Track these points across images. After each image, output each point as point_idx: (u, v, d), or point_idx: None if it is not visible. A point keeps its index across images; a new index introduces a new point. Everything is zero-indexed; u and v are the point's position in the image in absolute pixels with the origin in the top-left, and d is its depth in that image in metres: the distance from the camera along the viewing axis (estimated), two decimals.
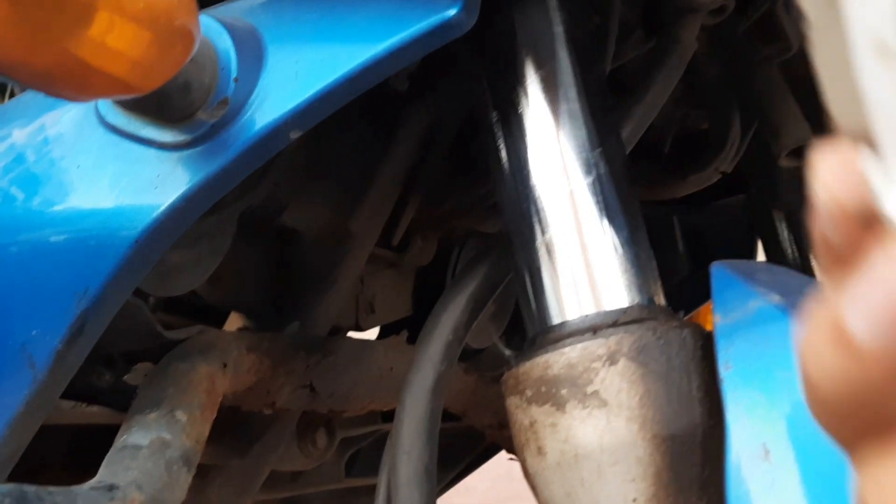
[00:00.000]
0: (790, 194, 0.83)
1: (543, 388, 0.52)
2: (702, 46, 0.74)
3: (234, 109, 0.50)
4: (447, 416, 1.02)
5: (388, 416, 1.02)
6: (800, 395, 0.48)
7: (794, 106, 0.68)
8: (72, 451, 0.92)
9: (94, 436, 0.81)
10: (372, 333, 1.09)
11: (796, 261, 0.83)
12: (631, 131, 0.64)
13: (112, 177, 0.52)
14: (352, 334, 0.96)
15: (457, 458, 1.09)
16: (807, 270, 0.83)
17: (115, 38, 0.40)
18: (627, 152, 0.64)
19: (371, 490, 1.07)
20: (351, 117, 0.81)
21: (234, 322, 0.87)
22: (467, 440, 1.08)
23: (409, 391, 0.60)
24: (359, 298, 0.92)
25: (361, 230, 0.83)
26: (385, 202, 0.83)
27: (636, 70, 0.69)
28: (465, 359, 0.95)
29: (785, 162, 0.68)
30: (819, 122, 0.79)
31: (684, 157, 0.80)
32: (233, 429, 0.83)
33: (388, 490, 0.60)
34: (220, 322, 0.86)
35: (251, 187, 0.68)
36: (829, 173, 0.23)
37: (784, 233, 0.84)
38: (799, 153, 0.68)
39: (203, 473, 0.84)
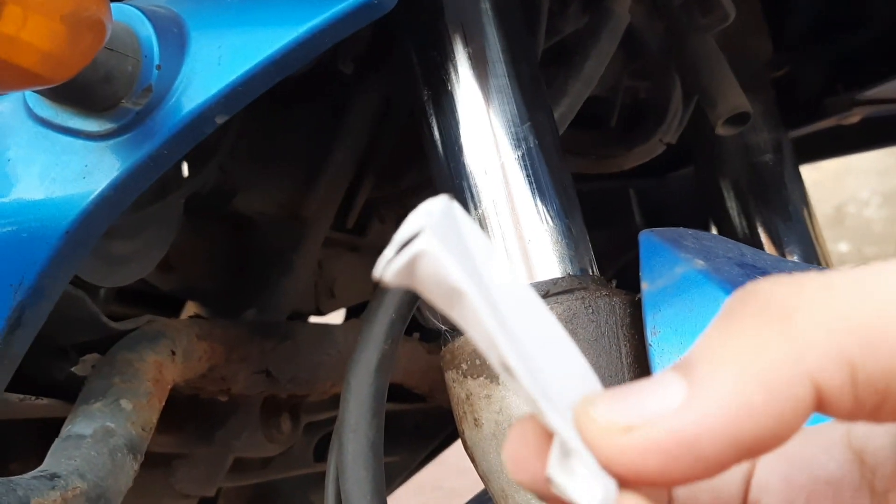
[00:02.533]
0: (736, 164, 0.84)
1: (477, 361, 0.52)
2: (641, 18, 0.75)
3: (158, 96, 0.50)
4: (414, 396, 1.03)
5: None
6: None
7: (730, 75, 0.69)
8: (42, 446, 0.92)
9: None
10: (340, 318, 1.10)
11: (744, 229, 0.84)
12: (568, 105, 0.65)
13: (42, 168, 0.52)
14: (319, 320, 0.97)
15: (427, 437, 1.10)
16: (753, 237, 0.84)
17: (25, 31, 0.40)
18: (567, 124, 0.65)
19: None
20: (300, 101, 0.81)
21: (190, 311, 0.88)
22: (437, 419, 1.09)
23: (353, 370, 0.61)
24: (318, 283, 0.93)
25: (316, 214, 0.83)
26: (338, 184, 0.84)
27: (577, 44, 0.70)
28: (430, 339, 0.96)
29: (722, 130, 0.69)
30: (757, 91, 0.80)
31: (629, 128, 0.81)
32: (194, 417, 0.83)
33: (336, 469, 0.60)
34: (176, 311, 0.87)
35: (193, 174, 0.68)
36: (514, 450, 0.25)
37: (731, 202, 0.85)
38: (737, 121, 0.69)
39: (166, 462, 0.85)
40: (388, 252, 0.23)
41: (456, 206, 0.24)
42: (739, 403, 0.23)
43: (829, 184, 4.23)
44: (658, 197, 1.02)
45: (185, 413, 0.83)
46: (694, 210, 0.99)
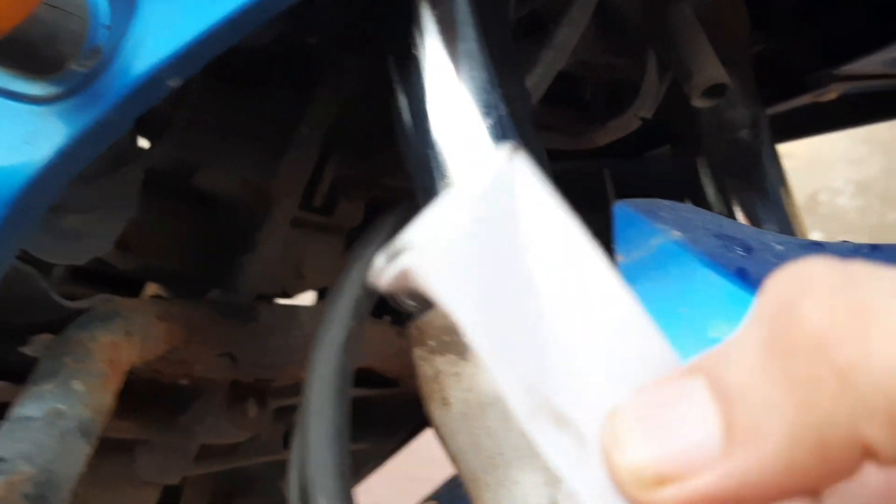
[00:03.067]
0: (712, 141, 0.82)
1: (446, 338, 0.50)
2: None
3: (107, 58, 0.47)
4: (385, 381, 1.01)
5: None
6: (703, 332, 0.47)
7: (708, 46, 0.67)
8: None
9: None
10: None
11: (720, 208, 0.82)
12: (540, 75, 0.63)
13: None
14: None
15: (399, 423, 1.08)
16: (730, 216, 0.82)
17: None
18: (539, 96, 0.63)
19: None
20: (264, 74, 0.78)
21: (151, 292, 0.85)
22: (409, 405, 1.06)
23: (317, 350, 0.58)
24: (285, 263, 0.90)
25: (281, 192, 0.81)
26: (305, 162, 0.81)
27: (550, 14, 0.67)
28: (402, 322, 0.94)
29: (698, 102, 0.67)
30: (734, 66, 0.78)
31: (604, 103, 0.79)
32: (156, 401, 0.81)
33: (301, 454, 0.58)
34: (136, 292, 0.84)
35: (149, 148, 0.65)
36: None
37: (707, 179, 0.83)
38: (714, 93, 0.67)
39: (128, 448, 0.82)
40: (380, 260, 0.23)
41: (518, 167, 0.23)
42: (787, 466, 0.22)
43: (803, 172, 4.24)
44: (634, 177, 1.00)
45: (146, 398, 0.80)
46: (671, 191, 0.97)
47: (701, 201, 0.85)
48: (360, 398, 1.00)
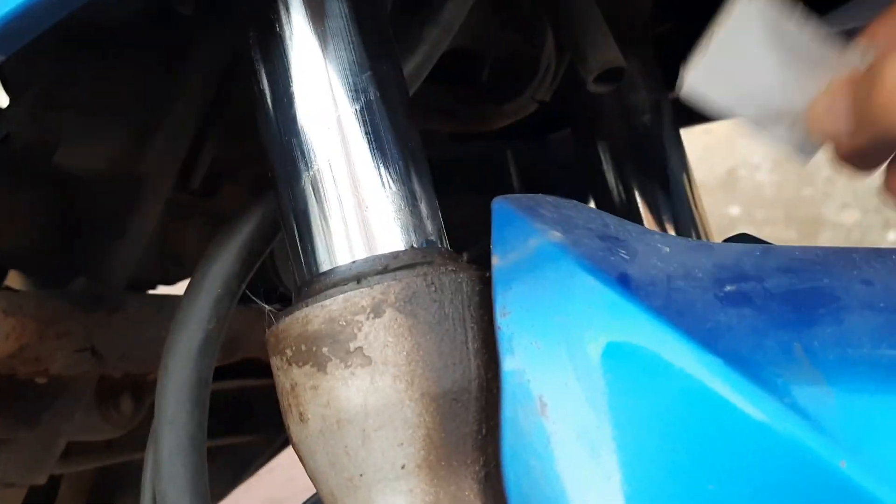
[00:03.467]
0: (613, 125, 0.79)
1: (303, 347, 0.45)
2: None
3: None
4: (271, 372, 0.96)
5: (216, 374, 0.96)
6: (578, 341, 0.43)
7: (605, 27, 0.63)
8: None
9: None
10: None
11: (620, 194, 0.79)
12: (425, 53, 0.58)
13: None
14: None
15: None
16: (630, 202, 0.78)
17: None
18: (424, 75, 0.58)
19: None
20: (132, 46, 0.72)
21: (13, 281, 0.78)
22: None
23: (171, 353, 0.53)
24: (164, 250, 0.84)
25: (154, 172, 0.75)
26: (179, 140, 0.75)
27: None
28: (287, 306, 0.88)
29: (594, 87, 0.63)
30: (635, 47, 0.74)
31: (501, 85, 0.75)
32: (15, 398, 0.75)
33: (153, 466, 0.53)
34: None
35: None
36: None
37: (608, 165, 0.79)
38: (611, 77, 0.63)
39: None
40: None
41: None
42: None
43: (722, 148, 4.28)
44: (538, 160, 0.96)
45: (5, 395, 0.74)
46: (575, 174, 0.93)
47: (600, 186, 0.82)
48: (246, 389, 0.95)
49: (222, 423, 1.00)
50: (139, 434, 0.90)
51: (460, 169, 0.88)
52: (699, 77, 0.45)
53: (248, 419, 1.00)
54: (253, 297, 0.51)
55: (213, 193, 0.83)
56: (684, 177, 0.83)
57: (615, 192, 0.79)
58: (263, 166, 0.83)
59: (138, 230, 0.76)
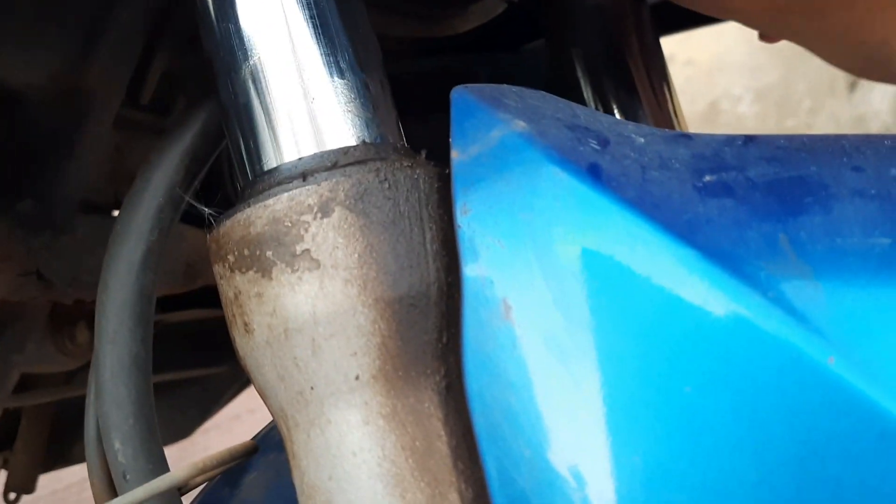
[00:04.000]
0: (588, 30, 0.74)
1: (246, 251, 0.42)
2: None
3: None
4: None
5: (172, 303, 0.92)
6: (545, 240, 0.40)
7: None
8: None
9: None
10: None
11: (597, 108, 0.75)
12: None
13: None
14: None
15: None
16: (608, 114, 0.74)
17: None
18: None
19: (161, 387, 0.97)
20: None
21: None
22: None
23: (111, 268, 0.49)
24: (116, 170, 0.80)
25: (100, 87, 0.70)
26: (126, 52, 0.70)
27: None
28: None
29: None
30: None
31: None
32: None
33: (96, 387, 0.49)
34: None
35: None
36: None
37: (582, 74, 0.75)
38: None
39: None
40: None
41: None
42: None
43: (703, 80, 4.23)
44: (510, 73, 0.92)
45: None
46: (550, 88, 0.89)
47: (578, 100, 0.77)
48: (211, 320, 0.92)
49: (190, 356, 0.97)
50: None
51: (426, 84, 0.83)
52: None
53: (215, 350, 0.97)
54: (193, 203, 0.47)
55: (165, 110, 0.79)
56: (665, 87, 0.79)
57: (591, 106, 0.75)
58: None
59: (87, 150, 0.72)
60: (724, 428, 0.36)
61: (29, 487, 0.97)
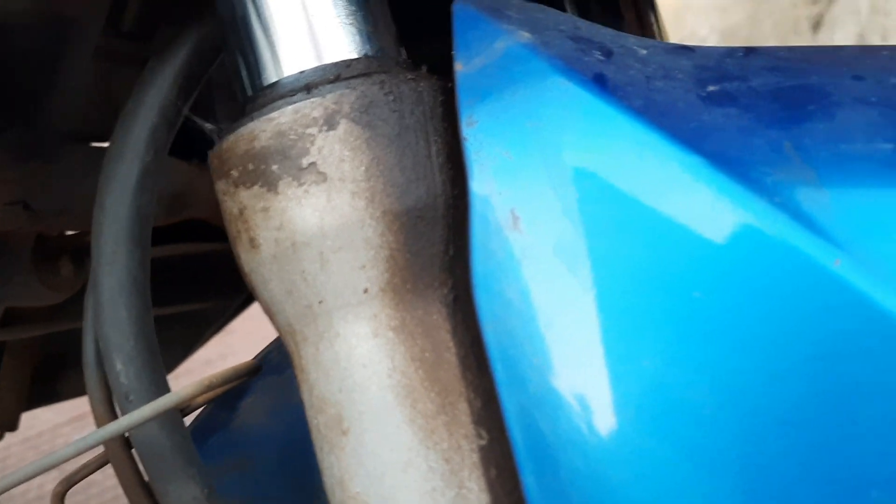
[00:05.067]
0: None
1: (251, 166, 0.41)
2: None
3: None
4: (223, 234, 0.91)
5: (156, 237, 0.91)
6: (553, 149, 0.40)
7: None
8: None
9: None
10: None
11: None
12: None
13: None
14: None
15: (236, 286, 0.99)
16: None
17: None
18: None
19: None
20: None
21: None
22: None
23: (107, 188, 0.49)
24: (100, 101, 0.78)
25: (79, 13, 0.68)
26: None
27: None
28: None
29: None
30: None
31: None
32: None
33: (94, 308, 0.49)
34: None
35: None
36: None
37: (569, 2, 0.75)
38: None
39: None
40: None
41: None
42: None
43: (670, 21, 4.22)
44: None
45: None
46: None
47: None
48: (197, 254, 0.91)
49: (172, 291, 0.96)
50: (81, 301, 0.86)
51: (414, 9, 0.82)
52: None
53: (199, 285, 0.97)
54: (192, 118, 0.47)
55: (148, 37, 0.77)
56: (652, 15, 0.79)
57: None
58: (200, 6, 0.77)
59: (70, 77, 0.70)
60: (734, 332, 0.37)
61: (12, 425, 0.97)
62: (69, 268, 0.78)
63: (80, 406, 2.46)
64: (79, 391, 1.00)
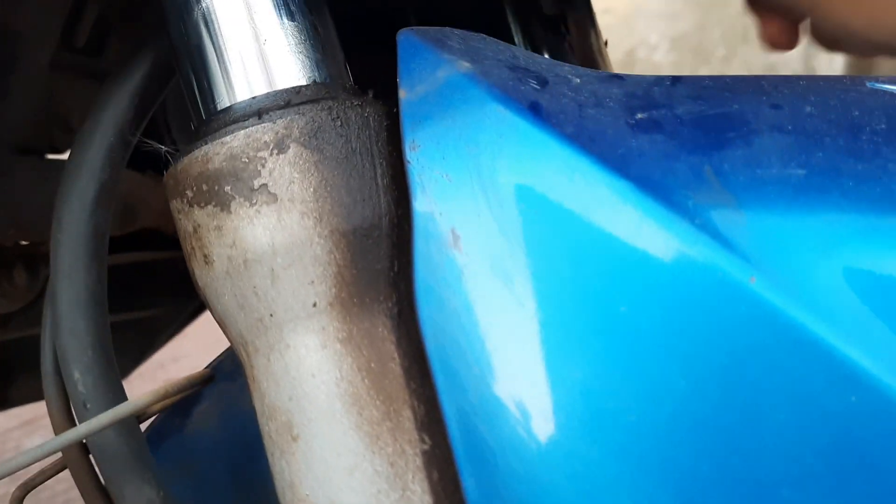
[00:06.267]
0: None
1: (205, 187, 0.43)
2: None
3: None
4: (173, 243, 0.93)
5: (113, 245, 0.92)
6: (489, 172, 0.42)
7: None
8: None
9: None
10: None
11: (526, 48, 0.78)
12: None
13: None
14: None
15: (188, 293, 1.01)
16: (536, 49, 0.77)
17: None
18: None
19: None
20: None
21: None
22: None
23: (65, 205, 0.51)
24: (50, 114, 0.80)
25: (32, 27, 0.70)
26: None
27: None
28: None
29: None
30: None
31: None
32: None
33: (52, 322, 0.51)
34: None
35: None
36: None
37: (514, 24, 0.77)
38: None
39: None
40: None
41: None
42: None
43: (620, 28, 4.28)
44: (443, 11, 0.93)
45: None
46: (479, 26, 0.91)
47: (508, 40, 0.80)
48: (148, 262, 0.93)
49: (126, 298, 0.98)
50: (35, 310, 0.87)
51: (353, 24, 0.85)
52: None
53: (152, 292, 0.98)
54: (147, 141, 0.49)
55: (100, 52, 0.79)
56: (592, 33, 0.82)
57: (517, 38, 0.78)
58: (151, 24, 0.79)
59: (21, 91, 0.71)
60: (657, 343, 0.39)
61: None
62: (23, 276, 0.79)
63: (31, 411, 2.44)
64: (29, 397, 1.01)
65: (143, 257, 0.90)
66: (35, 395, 1.00)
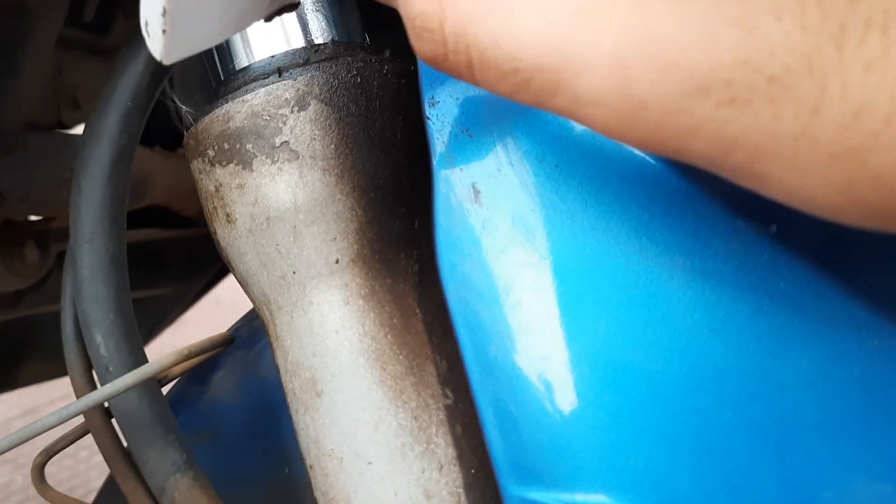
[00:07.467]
0: None
1: (226, 145, 0.44)
2: None
3: None
4: (182, 221, 0.93)
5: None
6: (510, 127, 0.43)
7: None
8: None
9: None
10: None
11: None
12: None
13: None
14: None
15: (201, 266, 1.01)
16: None
17: None
18: None
19: None
20: None
21: None
22: (210, 246, 1.00)
23: (83, 171, 0.51)
24: (58, 90, 0.80)
25: (41, 4, 0.70)
26: None
27: None
28: None
29: None
30: None
31: None
32: None
33: (73, 287, 0.51)
34: None
35: None
36: None
37: None
38: None
39: None
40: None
41: None
42: None
43: None
44: None
45: None
46: None
47: None
48: (157, 240, 0.93)
49: (133, 276, 0.98)
50: (47, 287, 0.88)
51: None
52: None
53: (159, 271, 0.98)
54: (172, 99, 0.49)
55: (107, 28, 0.79)
56: None
57: None
58: None
59: (30, 67, 0.72)
60: (678, 290, 0.40)
61: None
62: (34, 253, 0.79)
63: (32, 399, 2.45)
64: (37, 378, 1.01)
65: (150, 235, 0.90)
66: (42, 376, 1.00)
